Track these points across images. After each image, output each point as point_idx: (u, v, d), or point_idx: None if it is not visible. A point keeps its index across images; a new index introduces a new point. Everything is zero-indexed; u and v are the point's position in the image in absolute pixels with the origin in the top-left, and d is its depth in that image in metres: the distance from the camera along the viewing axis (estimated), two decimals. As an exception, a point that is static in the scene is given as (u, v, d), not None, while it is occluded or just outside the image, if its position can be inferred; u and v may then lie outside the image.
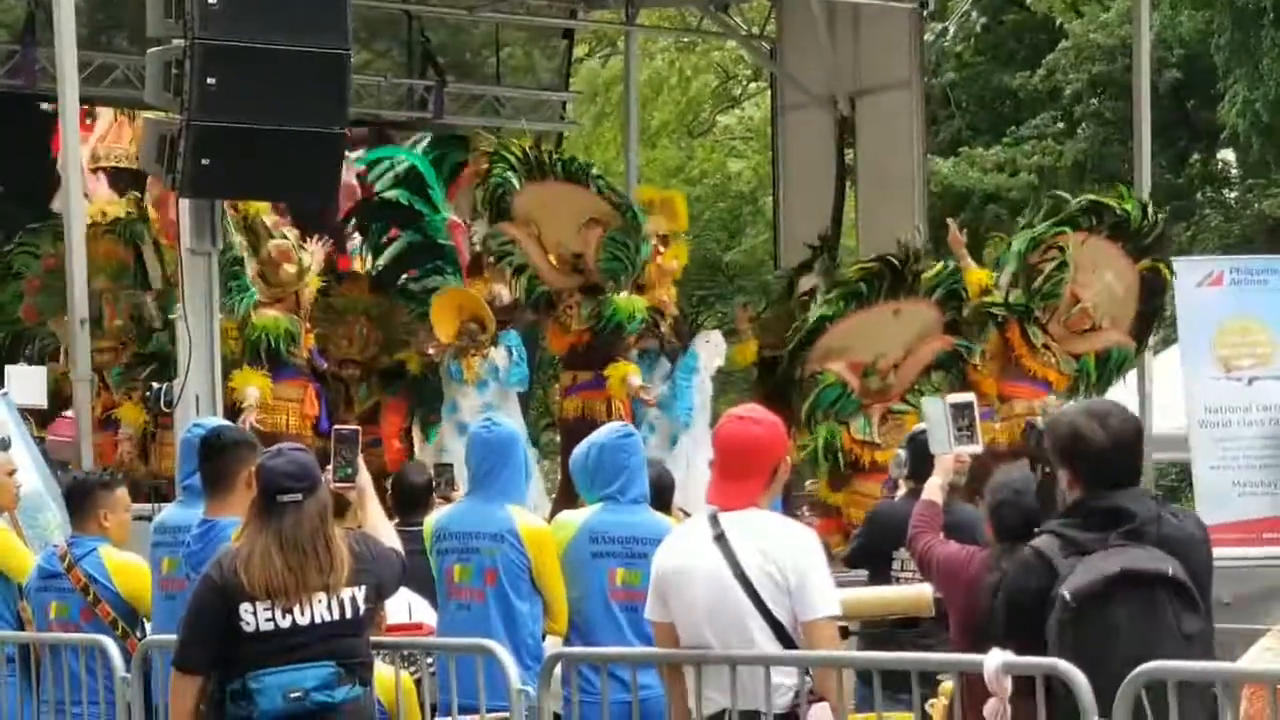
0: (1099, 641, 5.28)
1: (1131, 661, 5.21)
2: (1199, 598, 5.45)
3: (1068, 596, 5.31)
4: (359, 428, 7.53)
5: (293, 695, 6.38)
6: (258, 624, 6.42)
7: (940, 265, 14.65)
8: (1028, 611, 5.43)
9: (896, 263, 14.47)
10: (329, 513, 6.51)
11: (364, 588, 6.51)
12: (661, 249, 15.13)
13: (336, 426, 7.55)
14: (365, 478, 7.12)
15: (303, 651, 6.41)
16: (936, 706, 6.81)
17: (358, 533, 6.75)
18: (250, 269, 13.13)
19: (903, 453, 9.68)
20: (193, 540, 7.58)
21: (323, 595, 6.42)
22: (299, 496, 6.47)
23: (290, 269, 13.29)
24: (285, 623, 6.41)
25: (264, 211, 13.21)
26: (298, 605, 6.40)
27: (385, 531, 6.94)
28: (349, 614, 6.46)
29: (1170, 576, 5.37)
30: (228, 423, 8.79)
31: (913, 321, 14.43)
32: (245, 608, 6.42)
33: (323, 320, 14.81)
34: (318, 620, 6.42)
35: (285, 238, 13.40)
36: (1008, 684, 5.40)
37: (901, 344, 14.41)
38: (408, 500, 10.26)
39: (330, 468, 7.02)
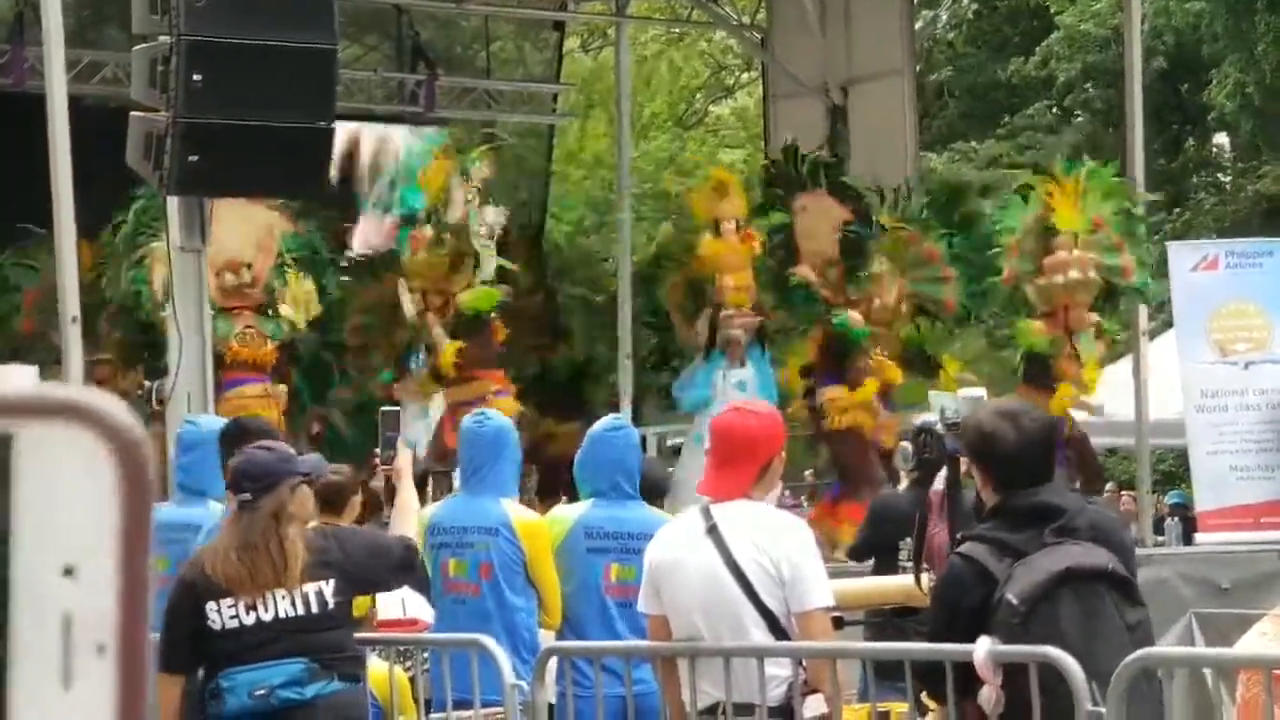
0: (1047, 640, 5.26)
1: (1080, 657, 5.22)
2: (1136, 587, 5.46)
3: (1014, 600, 5.29)
4: (399, 407, 7.56)
5: (258, 693, 6.40)
6: (223, 621, 6.46)
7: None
8: (967, 619, 5.39)
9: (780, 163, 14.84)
10: (285, 510, 6.50)
11: (330, 582, 6.47)
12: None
13: (383, 408, 7.65)
14: (403, 459, 7.19)
15: (271, 648, 6.43)
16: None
17: (327, 528, 6.73)
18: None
19: (908, 445, 9.65)
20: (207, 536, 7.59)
21: (282, 591, 6.42)
22: (249, 496, 6.53)
23: None
24: (250, 620, 6.44)
25: None
26: (260, 602, 6.42)
27: (402, 520, 6.95)
28: (315, 609, 6.44)
29: (1110, 571, 5.37)
30: (245, 419, 8.87)
31: (822, 215, 14.63)
32: (211, 606, 6.46)
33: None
34: (282, 615, 6.43)
35: None
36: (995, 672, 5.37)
37: (826, 238, 14.64)
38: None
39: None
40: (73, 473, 0.92)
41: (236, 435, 7.69)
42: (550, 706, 7.14)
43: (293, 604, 6.43)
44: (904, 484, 9.86)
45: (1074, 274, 13.90)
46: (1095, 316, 14.13)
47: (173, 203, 10.68)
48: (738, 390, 14.68)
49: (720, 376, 14.80)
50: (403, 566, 6.88)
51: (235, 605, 6.43)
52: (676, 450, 16.18)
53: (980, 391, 7.93)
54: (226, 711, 6.44)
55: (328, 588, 6.46)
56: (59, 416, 0.92)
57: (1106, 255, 14.19)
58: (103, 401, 0.91)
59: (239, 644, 6.42)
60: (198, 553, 6.61)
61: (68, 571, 0.93)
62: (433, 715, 7.45)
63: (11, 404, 0.89)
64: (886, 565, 9.48)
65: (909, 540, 8.99)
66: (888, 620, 8.38)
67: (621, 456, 7.95)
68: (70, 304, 11.58)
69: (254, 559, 6.42)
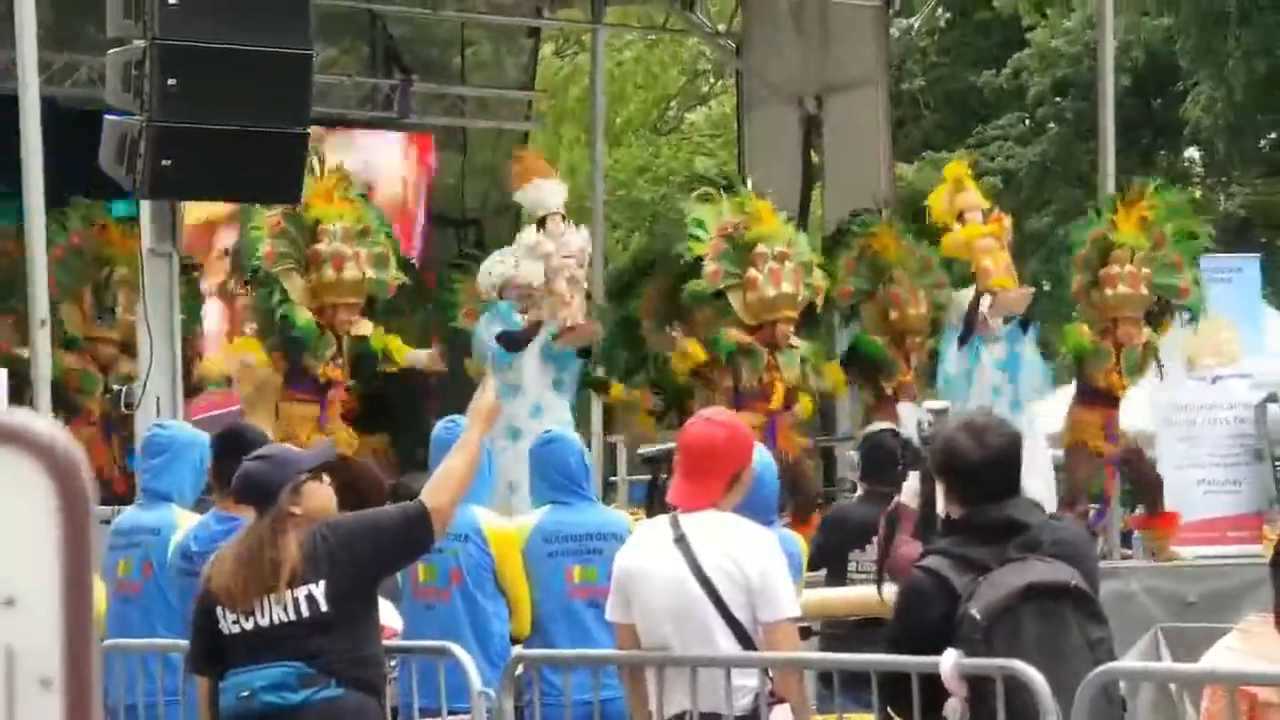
0: (1009, 656, 5.26)
1: (1042, 673, 5.21)
2: (1099, 605, 5.47)
3: (977, 615, 5.29)
4: None
5: (242, 695, 6.37)
6: (228, 626, 6.44)
7: None
8: (929, 633, 5.38)
9: None
10: (284, 516, 6.44)
11: (322, 583, 6.38)
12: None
13: None
14: (482, 398, 6.87)
15: (271, 652, 6.36)
16: None
17: (323, 525, 6.53)
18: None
19: (854, 454, 9.66)
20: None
21: (275, 596, 6.36)
22: (251, 508, 6.54)
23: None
24: (249, 625, 6.40)
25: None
26: (257, 607, 6.37)
27: (442, 474, 6.66)
28: (306, 613, 6.36)
29: (1073, 587, 5.38)
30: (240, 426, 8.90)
31: None
32: (219, 610, 6.45)
33: None
34: (276, 621, 6.37)
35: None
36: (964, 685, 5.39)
37: None
38: None
39: None
40: (8, 500, 0.86)
41: (232, 444, 7.63)
42: (517, 713, 7.13)
43: (284, 610, 6.39)
44: (857, 493, 9.85)
45: (1123, 289, 13.93)
46: (1146, 334, 14.08)
47: (145, 207, 10.64)
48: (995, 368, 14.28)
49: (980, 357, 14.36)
50: (415, 536, 6.55)
51: (236, 611, 6.42)
52: (647, 460, 16.08)
53: (945, 403, 7.94)
54: (223, 713, 6.44)
55: (318, 590, 6.37)
56: None
57: (1164, 274, 14.17)
58: (38, 425, 0.86)
59: (243, 648, 6.40)
60: (211, 559, 6.61)
61: (8, 603, 0.87)
62: (398, 722, 7.44)
63: None
64: (835, 575, 9.50)
65: (858, 551, 9.03)
66: (849, 632, 8.39)
67: (562, 463, 8.06)
68: (40, 306, 11.52)
69: (247, 570, 6.40)
